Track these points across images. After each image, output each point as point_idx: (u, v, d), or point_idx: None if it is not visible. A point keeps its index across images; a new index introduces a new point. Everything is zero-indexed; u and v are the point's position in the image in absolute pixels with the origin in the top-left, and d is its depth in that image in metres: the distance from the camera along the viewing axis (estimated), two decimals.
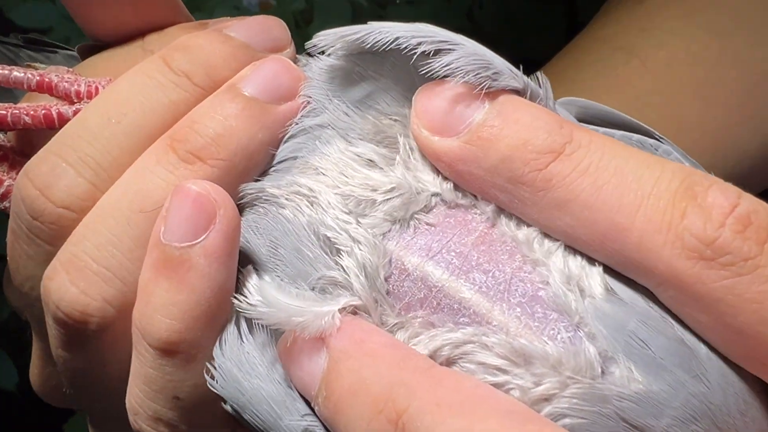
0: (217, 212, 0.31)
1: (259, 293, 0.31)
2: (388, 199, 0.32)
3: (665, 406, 0.29)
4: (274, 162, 0.34)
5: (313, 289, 0.31)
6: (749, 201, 0.29)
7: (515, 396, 0.29)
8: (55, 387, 0.38)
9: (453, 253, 0.31)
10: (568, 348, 0.29)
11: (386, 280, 0.31)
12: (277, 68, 0.34)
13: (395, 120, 0.33)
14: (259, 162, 0.33)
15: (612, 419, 0.29)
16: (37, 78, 0.35)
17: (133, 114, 0.33)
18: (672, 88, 0.52)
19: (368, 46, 0.32)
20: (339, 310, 0.30)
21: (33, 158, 0.33)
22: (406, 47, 0.32)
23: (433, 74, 0.32)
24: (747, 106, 0.53)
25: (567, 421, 0.29)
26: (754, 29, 0.53)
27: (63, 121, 0.35)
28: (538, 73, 0.33)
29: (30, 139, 0.37)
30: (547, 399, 0.29)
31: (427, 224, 0.32)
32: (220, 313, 0.32)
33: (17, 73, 0.36)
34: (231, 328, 0.32)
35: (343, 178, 0.33)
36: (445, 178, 0.32)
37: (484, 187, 0.31)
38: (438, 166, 0.32)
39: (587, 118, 0.35)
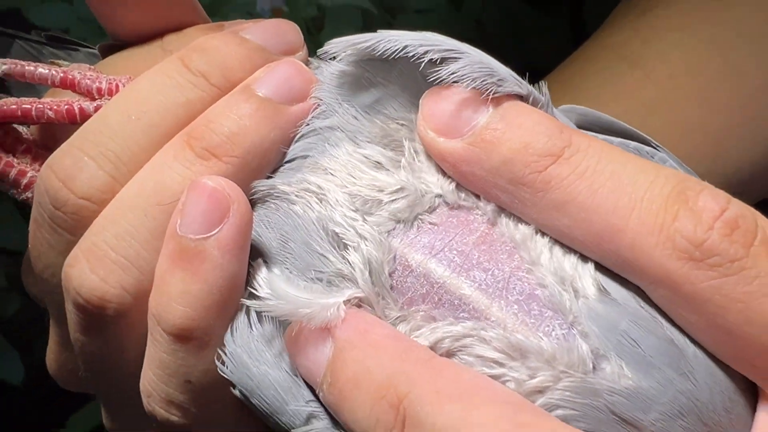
0: (231, 207, 0.32)
1: (269, 286, 0.32)
2: (393, 200, 0.33)
3: (653, 401, 0.30)
4: (285, 160, 0.35)
5: (320, 281, 0.33)
6: (738, 206, 0.30)
7: (511, 387, 0.30)
8: (71, 371, 0.39)
9: (455, 252, 0.32)
10: (561, 344, 0.31)
11: (390, 275, 0.32)
12: (290, 71, 0.35)
13: (402, 124, 0.34)
14: (271, 160, 0.34)
15: (602, 412, 0.30)
16: (61, 75, 0.37)
17: (152, 112, 0.34)
18: (674, 96, 0.54)
19: (378, 53, 0.33)
20: (344, 302, 0.31)
21: (56, 151, 0.35)
22: (414, 55, 0.33)
23: (440, 81, 0.33)
24: (746, 115, 0.54)
25: (559, 411, 0.30)
26: (754, 41, 0.54)
27: (84, 116, 0.36)
28: (541, 82, 0.34)
29: (53, 133, 0.38)
30: (540, 391, 0.30)
31: (431, 224, 0.33)
32: (232, 302, 0.33)
33: (42, 69, 0.37)
34: (242, 317, 0.33)
35: (350, 179, 0.34)
36: (449, 180, 0.33)
37: (486, 187, 0.32)
38: (443, 166, 0.33)
39: (586, 125, 0.36)
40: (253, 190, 0.34)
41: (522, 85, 0.33)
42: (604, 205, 0.30)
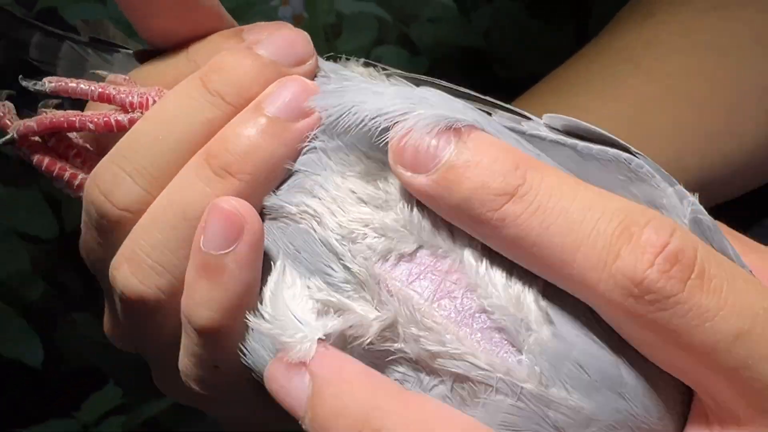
0: (245, 227, 0.36)
1: (271, 304, 0.37)
2: (375, 237, 0.36)
3: (593, 419, 0.34)
4: (292, 171, 0.38)
5: (330, 286, 0.37)
6: (680, 238, 0.33)
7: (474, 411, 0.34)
8: (121, 335, 0.44)
9: (428, 281, 0.35)
10: (517, 368, 0.34)
11: (373, 298, 0.36)
12: (296, 89, 0.38)
13: (383, 163, 0.37)
14: (278, 175, 0.38)
15: (546, 426, 0.34)
16: (99, 90, 0.41)
17: (177, 132, 0.38)
18: (671, 98, 0.56)
19: (340, 129, 0.37)
20: (326, 335, 0.35)
21: (98, 166, 0.39)
22: (368, 129, 0.36)
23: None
24: (734, 119, 0.56)
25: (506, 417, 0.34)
26: (748, 49, 0.57)
27: (120, 127, 0.40)
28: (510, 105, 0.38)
29: (97, 138, 0.43)
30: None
31: (409, 255, 0.36)
32: (249, 304, 0.37)
33: (83, 85, 0.41)
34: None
35: (339, 211, 0.37)
36: (424, 217, 0.36)
37: (453, 220, 0.35)
38: (418, 198, 0.36)
39: (571, 131, 0.38)
40: (266, 210, 0.38)
41: (480, 118, 0.36)
42: (553, 242, 0.33)
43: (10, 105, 0.42)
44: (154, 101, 0.40)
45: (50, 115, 0.41)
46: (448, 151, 0.35)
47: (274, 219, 0.38)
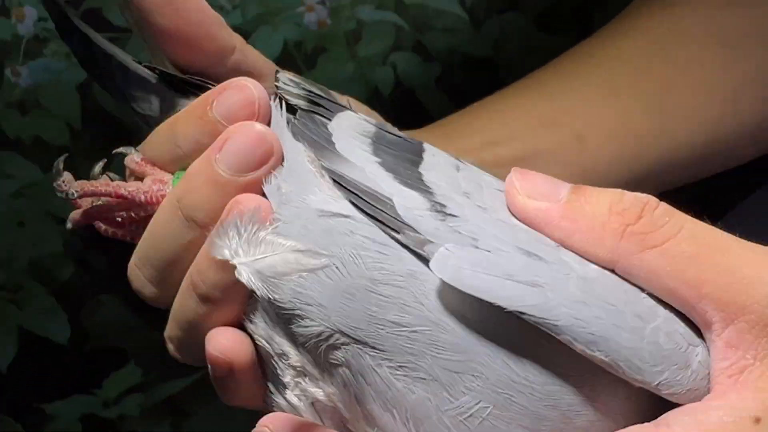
0: None
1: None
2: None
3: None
4: None
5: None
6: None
7: None
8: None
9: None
10: None
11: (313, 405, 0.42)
12: (251, 208, 0.42)
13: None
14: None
15: None
16: (113, 191, 0.46)
17: (164, 252, 0.45)
18: (690, 83, 0.60)
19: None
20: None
21: (129, 266, 0.46)
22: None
23: None
24: (735, 106, 0.61)
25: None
26: (753, 47, 0.61)
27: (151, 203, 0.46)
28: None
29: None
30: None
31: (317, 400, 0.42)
32: None
33: (102, 188, 0.46)
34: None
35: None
36: (315, 368, 0.42)
37: None
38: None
39: None
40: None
41: None
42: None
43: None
44: (158, 199, 0.45)
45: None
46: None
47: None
